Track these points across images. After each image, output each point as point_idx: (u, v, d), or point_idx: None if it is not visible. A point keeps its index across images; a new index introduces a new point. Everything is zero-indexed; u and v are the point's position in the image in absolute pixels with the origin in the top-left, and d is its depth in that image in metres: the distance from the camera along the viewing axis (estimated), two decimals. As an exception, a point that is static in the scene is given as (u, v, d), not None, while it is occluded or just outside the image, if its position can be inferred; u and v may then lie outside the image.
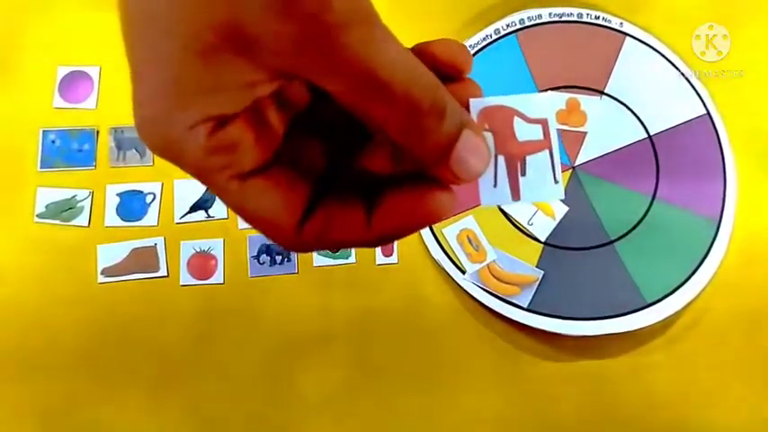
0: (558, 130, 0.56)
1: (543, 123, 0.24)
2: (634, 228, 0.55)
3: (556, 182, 0.24)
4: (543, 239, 0.55)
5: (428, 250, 0.55)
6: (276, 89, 0.21)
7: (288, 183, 0.22)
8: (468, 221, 0.55)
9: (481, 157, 0.23)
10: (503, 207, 0.55)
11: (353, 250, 0.55)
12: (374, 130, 0.23)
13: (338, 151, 0.25)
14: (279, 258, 0.55)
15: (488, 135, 0.24)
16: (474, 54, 0.57)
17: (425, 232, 0.55)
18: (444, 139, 0.22)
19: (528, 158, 0.24)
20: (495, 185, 0.24)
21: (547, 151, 0.24)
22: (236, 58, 0.20)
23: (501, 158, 0.24)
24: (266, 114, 0.22)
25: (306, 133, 0.24)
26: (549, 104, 0.24)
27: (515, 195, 0.24)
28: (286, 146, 0.23)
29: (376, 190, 0.23)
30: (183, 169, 0.22)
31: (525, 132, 0.24)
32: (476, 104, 0.24)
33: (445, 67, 0.24)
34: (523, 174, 0.24)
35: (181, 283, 0.55)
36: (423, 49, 0.24)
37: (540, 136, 0.24)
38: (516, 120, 0.24)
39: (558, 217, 0.55)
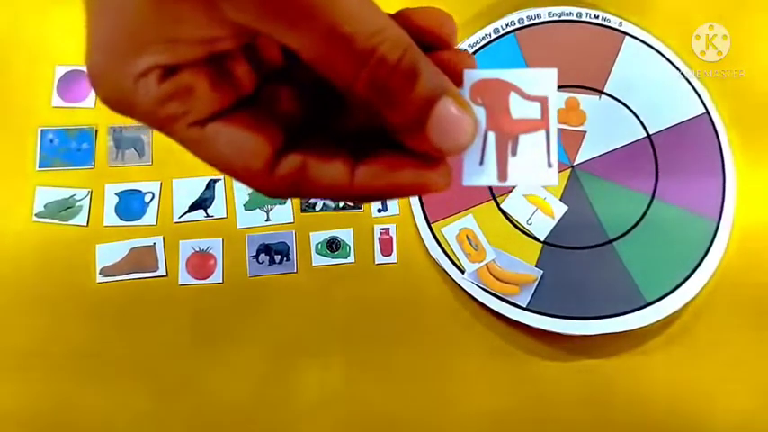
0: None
1: (543, 101, 0.22)
2: (633, 227, 0.55)
3: (549, 165, 0.22)
4: (542, 239, 0.54)
5: (427, 250, 0.55)
6: (238, 45, 0.21)
7: (255, 125, 0.22)
8: (467, 221, 0.55)
9: (463, 130, 0.21)
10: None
11: (353, 250, 0.55)
12: (343, 91, 0.22)
13: (321, 105, 0.24)
14: (278, 258, 0.55)
15: (480, 109, 0.22)
16: (473, 53, 0.57)
17: (425, 232, 0.55)
18: (418, 103, 0.20)
19: (521, 138, 0.22)
20: (481, 163, 0.22)
21: (543, 132, 0.22)
22: (195, 11, 0.19)
23: (491, 135, 0.22)
24: (230, 66, 0.21)
25: (285, 85, 0.23)
26: (551, 80, 0.22)
27: (502, 176, 0.22)
28: (262, 94, 0.22)
29: (368, 145, 0.22)
30: (139, 120, 0.21)
31: (522, 109, 0.22)
32: (470, 75, 0.22)
33: (429, 35, 0.23)
34: (514, 154, 0.22)
35: (180, 283, 0.55)
36: (405, 15, 0.23)
37: (538, 115, 0.22)
38: (513, 95, 0.22)
39: (558, 216, 0.55)
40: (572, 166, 0.56)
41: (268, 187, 0.22)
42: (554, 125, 0.22)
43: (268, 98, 0.23)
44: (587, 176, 0.56)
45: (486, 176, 0.22)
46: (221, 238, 0.55)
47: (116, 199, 0.56)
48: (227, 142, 0.21)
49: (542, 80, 0.22)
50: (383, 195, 0.22)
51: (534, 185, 0.54)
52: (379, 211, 0.56)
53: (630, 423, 0.53)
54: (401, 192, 0.22)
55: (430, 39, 0.23)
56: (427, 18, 0.23)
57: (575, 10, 0.58)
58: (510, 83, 0.22)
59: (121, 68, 0.20)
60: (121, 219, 0.56)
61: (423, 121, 0.21)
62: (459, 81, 0.23)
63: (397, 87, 0.20)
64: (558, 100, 0.56)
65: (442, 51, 0.23)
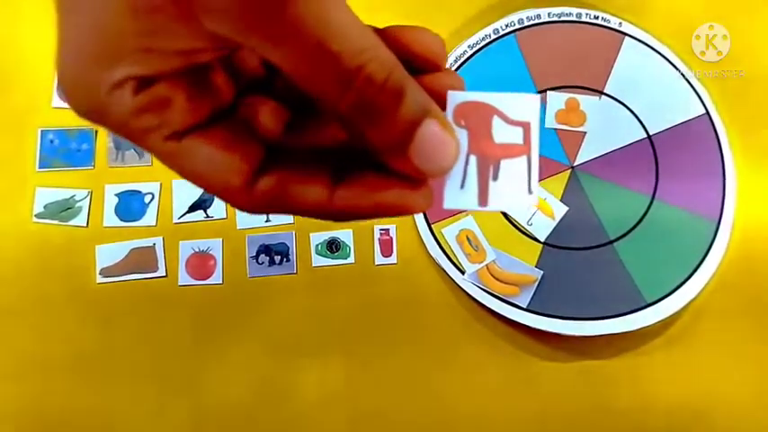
0: (556, 129, 0.56)
1: (525, 126, 0.22)
2: (634, 228, 0.55)
3: (530, 192, 0.22)
4: (543, 239, 0.54)
5: (427, 250, 0.55)
6: (218, 57, 0.20)
7: (233, 140, 0.21)
8: (467, 222, 0.55)
9: (446, 152, 0.21)
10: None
11: (353, 251, 0.55)
12: (325, 108, 0.21)
13: (301, 119, 0.23)
14: (278, 259, 0.55)
15: (462, 131, 0.22)
16: (473, 54, 0.57)
17: (425, 232, 0.55)
18: (402, 124, 0.20)
19: (503, 163, 0.22)
20: (462, 187, 0.22)
21: (525, 157, 0.22)
22: (173, 22, 0.19)
23: (473, 159, 0.22)
24: (209, 77, 0.21)
25: (265, 97, 0.23)
26: (533, 106, 0.22)
27: (483, 201, 0.22)
28: (241, 108, 0.22)
29: (349, 161, 0.22)
30: (112, 131, 0.21)
31: (504, 134, 0.22)
32: (453, 97, 0.22)
33: (416, 56, 0.22)
34: (495, 178, 0.22)
35: (179, 284, 0.55)
36: (393, 34, 0.22)
37: (521, 140, 0.22)
38: (496, 119, 0.22)
39: (558, 217, 0.55)
40: (572, 167, 0.56)
41: (247, 204, 0.22)
42: (536, 151, 0.22)
43: (246, 112, 0.22)
44: (587, 177, 0.55)
45: (467, 200, 0.22)
46: (221, 239, 0.55)
47: (116, 199, 0.56)
48: (203, 157, 0.21)
49: (526, 105, 0.22)
50: (363, 215, 0.22)
51: (513, 210, 0.54)
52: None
53: (631, 424, 0.53)
54: (382, 212, 0.22)
55: (418, 61, 0.22)
56: (415, 38, 0.22)
57: (574, 11, 0.58)
58: (493, 106, 0.22)
59: (95, 78, 0.19)
60: (121, 219, 0.56)
61: (406, 142, 0.20)
62: (445, 104, 0.22)
63: (382, 107, 0.20)
64: (558, 101, 0.56)
65: (429, 73, 0.23)
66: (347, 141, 0.23)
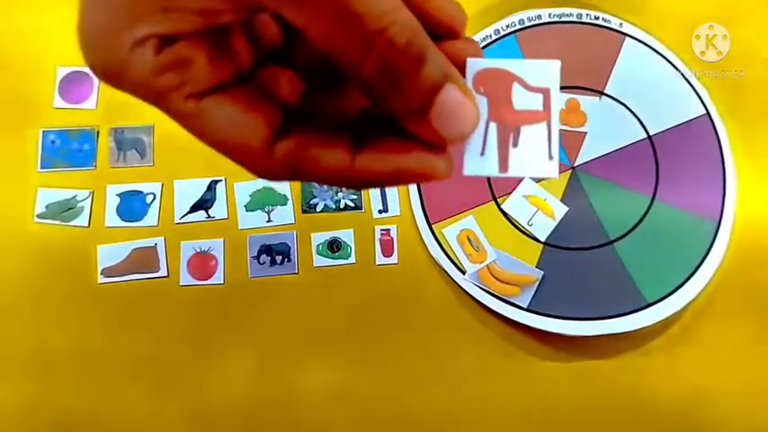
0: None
1: (545, 93, 0.22)
2: (634, 228, 0.55)
3: (551, 158, 0.22)
4: (543, 240, 0.55)
5: (428, 250, 0.55)
6: (239, 19, 0.21)
7: (253, 102, 0.21)
8: (468, 222, 0.55)
9: (466, 117, 0.21)
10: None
11: (354, 251, 0.55)
12: (347, 72, 0.21)
13: (322, 86, 0.23)
14: (279, 259, 0.55)
15: (482, 98, 0.22)
16: (474, 54, 0.57)
17: (425, 233, 0.55)
18: (423, 88, 0.20)
19: (523, 129, 0.22)
20: (482, 153, 0.22)
21: (545, 123, 0.22)
22: None
23: (493, 126, 0.22)
24: (229, 40, 0.21)
25: (283, 67, 0.23)
26: (554, 72, 0.22)
27: (503, 167, 0.22)
28: (259, 77, 0.22)
29: (369, 130, 0.22)
30: (128, 90, 0.21)
31: (524, 101, 0.22)
32: (473, 64, 0.22)
33: (438, 23, 0.22)
34: (515, 145, 0.22)
35: (181, 284, 0.55)
36: (416, 3, 0.22)
37: (540, 107, 0.22)
38: (516, 86, 0.22)
39: (558, 217, 0.55)
40: (572, 167, 0.56)
41: (266, 167, 0.22)
42: (556, 117, 0.22)
43: (265, 81, 0.23)
44: (588, 177, 0.56)
45: (487, 167, 0.22)
46: (222, 239, 0.55)
47: (117, 200, 0.56)
48: (224, 118, 0.21)
49: (545, 71, 0.22)
50: (384, 180, 0.22)
51: (535, 177, 0.54)
52: (380, 212, 0.56)
53: (631, 424, 0.53)
54: (403, 177, 0.22)
55: (439, 27, 0.22)
56: (438, 5, 0.22)
57: (575, 11, 0.58)
58: (513, 73, 0.22)
59: (117, 36, 0.19)
60: (123, 219, 0.56)
61: (427, 106, 0.20)
62: (465, 71, 0.22)
63: (403, 71, 0.20)
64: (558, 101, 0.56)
65: (450, 40, 0.23)
66: (368, 109, 0.23)
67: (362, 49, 0.19)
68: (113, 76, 0.20)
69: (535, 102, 0.22)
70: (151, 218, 0.56)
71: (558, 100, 0.22)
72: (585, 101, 0.57)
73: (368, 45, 0.19)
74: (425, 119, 0.20)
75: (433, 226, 0.55)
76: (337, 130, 0.22)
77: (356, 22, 0.19)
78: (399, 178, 0.22)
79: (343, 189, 0.55)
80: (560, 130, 0.56)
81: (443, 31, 0.23)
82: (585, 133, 0.56)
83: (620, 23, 0.58)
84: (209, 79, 0.21)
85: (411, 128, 0.21)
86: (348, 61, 0.20)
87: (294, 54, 0.23)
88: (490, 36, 0.58)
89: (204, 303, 0.54)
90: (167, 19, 0.19)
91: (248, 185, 0.56)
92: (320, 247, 0.55)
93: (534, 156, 0.22)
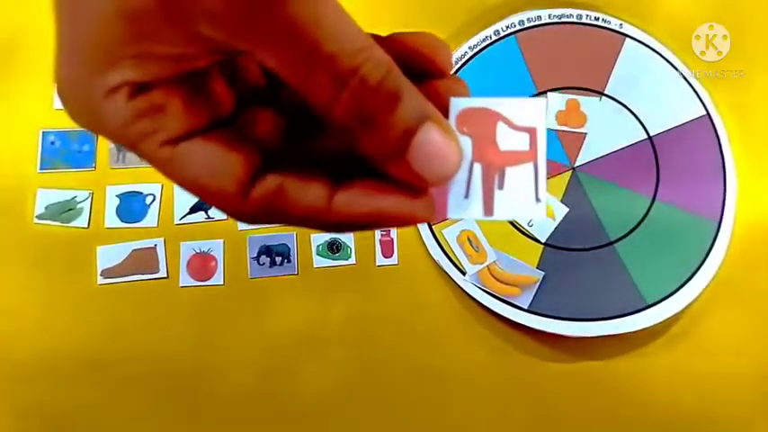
0: (557, 131, 0.56)
1: (531, 132, 0.21)
2: (634, 229, 0.55)
3: (537, 200, 0.21)
4: (543, 240, 0.55)
5: (428, 251, 0.55)
6: (213, 63, 0.20)
7: (231, 145, 0.21)
8: (468, 222, 0.55)
9: (447, 159, 0.20)
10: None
11: (354, 252, 0.55)
12: (320, 113, 0.20)
13: (307, 125, 0.23)
14: (279, 260, 0.55)
15: (466, 139, 0.21)
16: (473, 55, 0.57)
17: (425, 233, 0.55)
18: (398, 129, 0.19)
19: (508, 170, 0.21)
20: (466, 196, 0.21)
21: (531, 164, 0.21)
22: (168, 27, 0.18)
23: (477, 167, 0.21)
24: (208, 84, 0.21)
25: (264, 105, 0.23)
26: (539, 111, 0.22)
27: (488, 210, 0.21)
28: (240, 115, 0.22)
29: (349, 171, 0.21)
30: (109, 139, 0.20)
31: (509, 141, 0.21)
32: (456, 104, 0.21)
33: (422, 61, 0.22)
34: (501, 187, 0.21)
35: (180, 285, 0.55)
36: (399, 39, 0.22)
37: (526, 146, 0.21)
38: (501, 125, 0.21)
39: (559, 218, 0.55)
40: (573, 168, 0.56)
41: (242, 211, 0.21)
42: (543, 157, 0.21)
43: (245, 120, 0.22)
44: (588, 178, 0.56)
45: (472, 210, 0.21)
46: (222, 240, 0.55)
47: (117, 201, 0.56)
48: (199, 162, 0.20)
49: (531, 110, 0.22)
50: (363, 223, 0.21)
51: (521, 219, 0.54)
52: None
53: (631, 425, 0.53)
54: (382, 220, 0.21)
55: (422, 64, 0.22)
56: (420, 44, 0.22)
57: (575, 12, 0.58)
58: (498, 112, 0.22)
59: (91, 84, 0.19)
60: (122, 220, 0.56)
61: (403, 148, 0.20)
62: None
63: (377, 111, 0.19)
64: (559, 102, 0.57)
65: (435, 80, 0.22)
66: (348, 151, 0.22)
67: (335, 89, 0.19)
68: (94, 126, 0.20)
69: (521, 141, 0.21)
70: (151, 219, 0.56)
71: (545, 140, 0.22)
72: (585, 101, 0.57)
73: (340, 84, 0.19)
74: (403, 161, 0.20)
75: (433, 227, 0.55)
76: (317, 169, 0.21)
77: (328, 62, 0.18)
78: (379, 221, 0.21)
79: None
80: (560, 130, 0.56)
81: (428, 68, 0.22)
82: (585, 134, 0.56)
83: (620, 24, 0.58)
84: (184, 125, 0.20)
85: (389, 170, 0.20)
86: (320, 102, 0.19)
87: (279, 94, 0.23)
88: (490, 37, 0.58)
89: (204, 304, 0.54)
90: (140, 66, 0.19)
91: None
92: (320, 247, 0.55)
93: (520, 198, 0.21)
